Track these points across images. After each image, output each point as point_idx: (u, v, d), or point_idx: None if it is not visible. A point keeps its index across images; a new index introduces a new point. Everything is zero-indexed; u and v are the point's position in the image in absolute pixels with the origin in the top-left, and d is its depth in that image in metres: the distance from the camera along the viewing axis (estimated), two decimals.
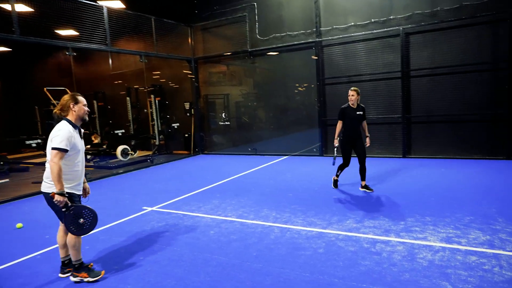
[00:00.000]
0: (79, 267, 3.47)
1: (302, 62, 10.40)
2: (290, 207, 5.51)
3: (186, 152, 12.40)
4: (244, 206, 5.72)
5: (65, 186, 3.24)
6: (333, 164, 6.33)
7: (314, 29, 9.89)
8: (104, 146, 12.07)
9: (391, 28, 8.90)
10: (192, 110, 12.19)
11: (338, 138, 6.12)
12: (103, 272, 3.54)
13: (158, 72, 12.90)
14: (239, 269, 3.53)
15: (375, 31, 9.09)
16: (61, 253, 3.61)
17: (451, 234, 4.07)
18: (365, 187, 6.16)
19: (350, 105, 6.03)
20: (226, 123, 12.24)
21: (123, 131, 12.07)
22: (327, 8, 9.73)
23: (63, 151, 3.22)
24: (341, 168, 6.34)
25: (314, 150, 10.39)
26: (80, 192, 3.53)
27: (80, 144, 3.46)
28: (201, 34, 12.01)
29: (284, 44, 10.42)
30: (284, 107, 11.08)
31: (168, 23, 11.05)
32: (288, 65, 10.81)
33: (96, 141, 12.68)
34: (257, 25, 10.80)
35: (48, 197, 3.30)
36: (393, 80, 9.00)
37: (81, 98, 3.48)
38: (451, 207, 4.99)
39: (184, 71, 12.29)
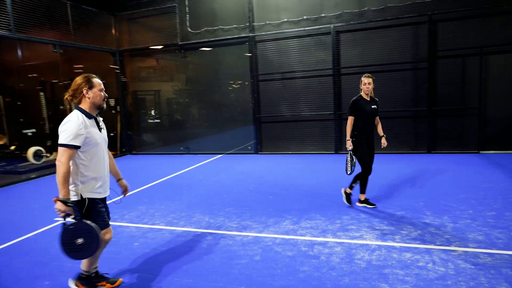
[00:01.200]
0: (86, 279, 3.03)
1: (236, 57, 10.11)
2: (224, 210, 5.17)
3: (112, 152, 11.38)
4: (174, 211, 5.24)
5: (83, 190, 2.72)
6: (350, 173, 4.79)
7: (247, 24, 9.65)
8: (12, 148, 10.57)
9: (322, 26, 8.99)
10: (118, 107, 11.22)
11: (351, 139, 4.80)
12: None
13: (80, 66, 11.66)
14: None
15: (307, 28, 9.12)
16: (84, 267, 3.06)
17: (385, 231, 4.06)
18: (365, 201, 4.97)
19: (364, 96, 4.86)
20: (157, 120, 11.50)
21: (34, 130, 10.66)
22: (260, 3, 9.55)
23: (72, 147, 2.62)
24: (360, 177, 4.89)
25: (249, 148, 10.18)
26: (106, 194, 2.93)
27: (99, 136, 2.83)
28: (126, 25, 11.09)
29: (217, 38, 10.02)
30: (218, 104, 10.69)
31: (87, 10, 9.98)
32: (221, 61, 10.44)
33: (1, 142, 11.06)
34: (187, 17, 10.24)
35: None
36: (325, 77, 9.12)
37: (97, 81, 2.82)
38: (384, 203, 5.05)
39: (110, 65, 11.25)
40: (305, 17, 9.18)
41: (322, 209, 4.93)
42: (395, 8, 8.43)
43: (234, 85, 10.52)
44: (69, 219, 2.66)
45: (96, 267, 3.09)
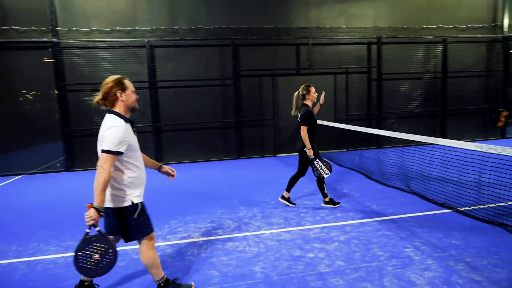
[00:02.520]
0: (165, 285, 2.89)
1: (37, 64, 8.88)
2: (37, 235, 4.57)
3: None
4: None
5: (133, 195, 2.67)
6: (327, 175, 5.01)
7: (50, 28, 8.68)
8: None
9: (137, 39, 9.04)
10: None
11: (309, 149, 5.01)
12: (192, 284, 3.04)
13: None
14: None
15: (120, 39, 8.97)
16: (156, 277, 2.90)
17: (209, 228, 4.55)
18: (288, 200, 5.38)
19: (310, 105, 5.19)
20: None
21: None
22: (64, 6, 8.77)
23: (116, 154, 2.53)
24: (295, 179, 5.33)
25: (58, 165, 9.09)
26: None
27: (135, 140, 2.75)
28: None
29: (8, 40, 8.57)
30: (15, 116, 9.08)
31: None
32: (17, 66, 8.95)
33: None
34: None
35: (112, 212, 2.65)
36: (142, 90, 9.18)
37: (128, 83, 2.74)
38: (205, 204, 5.59)
39: None
40: (117, 28, 9.01)
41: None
42: (204, 29, 9.36)
43: (35, 95, 9.18)
44: (90, 231, 2.44)
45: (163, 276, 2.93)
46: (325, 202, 5.23)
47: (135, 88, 2.87)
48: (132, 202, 2.68)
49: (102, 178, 2.43)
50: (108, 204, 2.63)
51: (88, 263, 2.41)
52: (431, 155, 6.67)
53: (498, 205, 4.75)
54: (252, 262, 3.52)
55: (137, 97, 2.83)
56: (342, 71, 10.14)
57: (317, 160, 5.04)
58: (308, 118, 5.03)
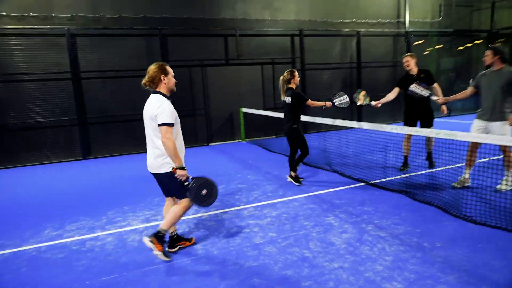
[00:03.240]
0: (161, 238, 3.33)
1: None
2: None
3: None
4: None
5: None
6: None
7: None
8: None
9: (55, 27, 8.49)
10: None
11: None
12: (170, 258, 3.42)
13: None
14: None
15: (36, 26, 8.35)
16: (170, 230, 3.50)
17: (148, 215, 4.69)
18: (295, 178, 5.72)
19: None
20: None
21: None
22: None
23: (171, 125, 3.13)
24: (301, 159, 5.64)
25: None
26: None
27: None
28: None
29: None
30: None
31: None
32: None
33: None
34: None
35: (165, 176, 3.30)
36: (64, 81, 8.69)
37: (170, 68, 3.35)
38: (143, 194, 5.66)
39: None
40: (31, 14, 8.36)
41: (86, 211, 4.98)
42: (129, 18, 9.12)
43: None
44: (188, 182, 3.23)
45: (175, 231, 3.60)
46: (291, 177, 5.75)
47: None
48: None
49: (171, 145, 3.08)
50: (162, 170, 3.29)
51: (203, 198, 3.25)
52: (348, 138, 7.50)
53: (401, 177, 5.63)
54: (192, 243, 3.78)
55: (176, 81, 3.42)
56: (269, 61, 10.66)
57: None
58: (303, 96, 5.42)
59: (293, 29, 10.81)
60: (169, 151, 3.10)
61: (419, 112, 5.75)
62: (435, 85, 5.75)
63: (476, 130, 4.70)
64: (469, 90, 4.85)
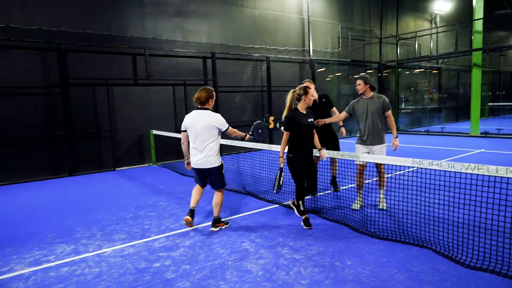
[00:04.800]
0: (218, 221, 4.64)
1: None
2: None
3: None
4: None
5: (219, 159, 4.53)
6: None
7: None
8: None
9: None
10: None
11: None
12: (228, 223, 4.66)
13: None
14: None
15: None
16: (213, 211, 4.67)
17: (38, 256, 4.01)
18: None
19: (300, 109, 4.61)
20: None
21: None
22: None
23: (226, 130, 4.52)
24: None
25: None
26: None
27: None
28: None
29: None
30: None
31: None
32: None
33: None
34: None
35: (216, 168, 4.45)
36: None
37: (214, 93, 4.58)
38: (32, 230, 4.86)
39: None
40: None
41: None
42: (19, 29, 8.09)
43: None
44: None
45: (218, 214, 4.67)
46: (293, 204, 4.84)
47: None
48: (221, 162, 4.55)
49: (235, 132, 4.68)
50: (215, 164, 4.42)
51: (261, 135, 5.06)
52: (261, 160, 7.61)
53: (310, 197, 5.83)
54: (93, 284, 3.30)
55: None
56: (180, 82, 10.43)
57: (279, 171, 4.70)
58: (287, 123, 4.49)
59: (205, 51, 10.81)
60: (236, 134, 4.70)
61: (324, 138, 5.81)
62: (334, 108, 6.16)
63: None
64: (343, 114, 5.35)
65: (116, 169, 9.51)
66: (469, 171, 3.24)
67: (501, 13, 22.53)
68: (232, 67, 11.46)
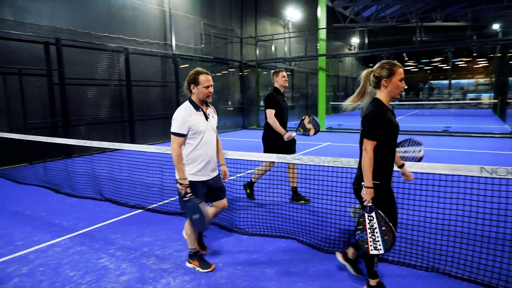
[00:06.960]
0: (193, 255, 3.31)
1: None
2: None
3: None
4: None
5: (186, 172, 3.09)
6: None
7: None
8: None
9: None
10: None
11: None
12: (213, 266, 3.28)
13: None
14: None
15: None
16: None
17: None
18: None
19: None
20: None
21: None
22: None
23: (178, 135, 3.03)
24: None
25: None
26: (210, 177, 3.22)
27: (203, 124, 3.11)
28: None
29: None
30: None
31: None
32: None
33: None
34: None
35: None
36: None
37: (203, 78, 3.07)
38: None
39: None
40: None
41: None
42: None
43: None
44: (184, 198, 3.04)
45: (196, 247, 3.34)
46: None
47: None
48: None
49: (173, 156, 3.09)
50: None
51: (194, 222, 3.08)
52: (120, 160, 6.89)
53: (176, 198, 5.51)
54: None
55: (211, 92, 3.13)
56: (14, 71, 8.59)
57: None
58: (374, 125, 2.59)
59: (47, 36, 9.19)
60: (173, 161, 3.10)
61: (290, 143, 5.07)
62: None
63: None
64: None
65: None
66: (326, 164, 3.48)
67: (338, 26, 26.36)
68: (84, 57, 10.07)
